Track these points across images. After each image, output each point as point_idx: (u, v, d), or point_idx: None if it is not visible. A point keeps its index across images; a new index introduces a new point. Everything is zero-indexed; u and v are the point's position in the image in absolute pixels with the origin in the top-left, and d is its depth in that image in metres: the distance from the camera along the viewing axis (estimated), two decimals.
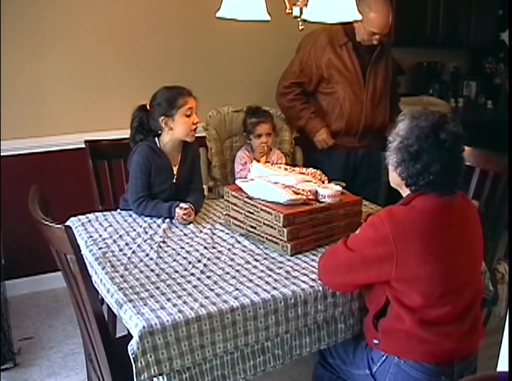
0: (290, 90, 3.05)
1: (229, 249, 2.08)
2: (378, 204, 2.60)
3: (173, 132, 2.37)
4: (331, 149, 3.08)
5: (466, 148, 1.75)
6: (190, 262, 1.96)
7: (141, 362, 1.55)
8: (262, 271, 1.90)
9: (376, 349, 1.80)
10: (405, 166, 1.69)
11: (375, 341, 1.79)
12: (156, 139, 2.41)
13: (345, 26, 2.90)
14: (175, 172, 2.44)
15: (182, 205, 2.32)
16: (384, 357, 1.78)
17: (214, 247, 2.10)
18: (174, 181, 2.44)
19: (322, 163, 2.87)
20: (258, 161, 2.79)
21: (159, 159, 2.40)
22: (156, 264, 1.95)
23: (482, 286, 1.86)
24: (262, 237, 2.10)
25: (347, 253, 1.75)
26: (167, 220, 2.32)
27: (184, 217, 2.30)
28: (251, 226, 2.14)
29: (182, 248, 2.09)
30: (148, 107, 2.41)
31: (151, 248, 2.08)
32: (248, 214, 2.15)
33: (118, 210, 2.48)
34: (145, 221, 2.33)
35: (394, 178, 1.79)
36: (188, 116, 2.35)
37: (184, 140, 2.42)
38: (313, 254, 2.03)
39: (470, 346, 1.79)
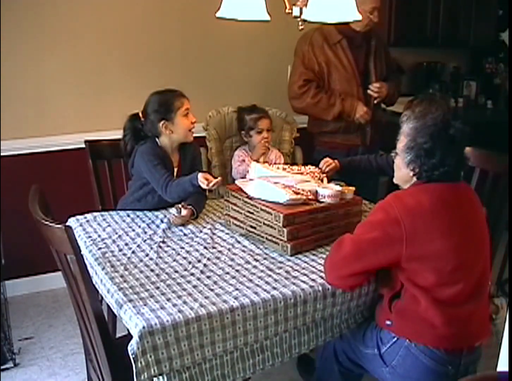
0: (307, 87, 2.99)
1: (229, 249, 2.08)
2: None
3: (173, 135, 2.39)
4: (332, 149, 3.08)
5: (467, 148, 1.84)
6: (190, 262, 1.96)
7: (141, 362, 1.55)
8: (262, 271, 1.90)
9: (387, 330, 1.82)
10: (420, 162, 1.77)
11: (388, 322, 1.81)
12: (156, 139, 2.42)
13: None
14: (175, 174, 2.44)
15: (178, 206, 2.31)
16: (395, 339, 1.80)
17: (214, 247, 2.10)
18: None
19: None
20: (257, 160, 2.77)
21: (164, 156, 2.41)
22: (156, 264, 1.95)
23: (489, 265, 1.89)
24: (262, 237, 2.10)
25: (355, 239, 1.80)
26: (166, 220, 2.32)
27: (185, 212, 2.29)
28: (251, 226, 2.14)
29: (182, 248, 2.09)
30: (141, 114, 2.41)
31: (151, 248, 2.08)
32: (248, 214, 2.15)
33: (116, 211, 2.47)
34: (143, 221, 2.33)
35: (404, 175, 1.85)
36: (185, 116, 2.38)
37: (183, 141, 2.43)
38: (313, 254, 2.03)
39: (477, 335, 1.81)
